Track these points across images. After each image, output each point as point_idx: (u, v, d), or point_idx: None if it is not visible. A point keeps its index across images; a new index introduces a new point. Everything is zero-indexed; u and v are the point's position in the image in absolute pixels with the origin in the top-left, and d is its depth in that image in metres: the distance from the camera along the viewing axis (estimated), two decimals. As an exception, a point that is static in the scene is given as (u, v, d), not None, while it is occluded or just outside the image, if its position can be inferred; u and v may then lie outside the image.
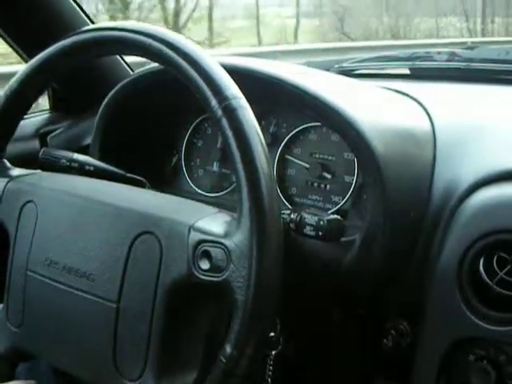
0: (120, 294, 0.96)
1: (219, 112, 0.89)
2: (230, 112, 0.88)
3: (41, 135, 1.66)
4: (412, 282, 1.11)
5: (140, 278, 0.95)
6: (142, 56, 1.02)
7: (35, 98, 1.17)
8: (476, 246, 1.02)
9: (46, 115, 1.76)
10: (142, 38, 0.97)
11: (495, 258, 1.01)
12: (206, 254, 0.89)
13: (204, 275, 0.89)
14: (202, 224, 0.92)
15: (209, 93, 0.90)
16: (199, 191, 1.43)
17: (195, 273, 0.90)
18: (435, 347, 1.05)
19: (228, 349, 0.87)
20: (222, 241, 0.88)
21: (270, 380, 1.20)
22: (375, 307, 1.17)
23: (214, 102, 0.89)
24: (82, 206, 1.03)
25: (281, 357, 1.19)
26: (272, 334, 1.15)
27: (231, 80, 0.92)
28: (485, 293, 1.01)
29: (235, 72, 1.00)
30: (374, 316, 1.18)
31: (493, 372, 0.99)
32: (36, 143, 1.65)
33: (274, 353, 1.18)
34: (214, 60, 0.93)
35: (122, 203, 1.01)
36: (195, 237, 0.91)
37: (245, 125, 0.88)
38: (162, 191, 1.12)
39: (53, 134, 1.68)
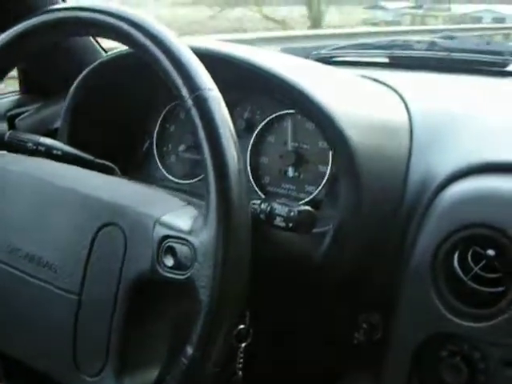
0: (82, 287, 0.93)
1: (189, 102, 0.85)
2: (201, 103, 0.85)
3: (9, 118, 1.62)
4: (385, 275, 1.08)
5: (103, 271, 0.92)
6: (111, 39, 0.98)
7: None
8: (450, 239, 0.99)
9: (14, 97, 1.71)
10: (110, 19, 0.93)
11: (470, 252, 0.99)
12: (171, 251, 0.86)
13: (168, 272, 0.86)
14: (169, 218, 0.88)
15: (179, 81, 0.86)
16: (171, 178, 1.38)
17: (159, 269, 0.87)
18: (407, 342, 1.03)
19: (189, 350, 0.83)
20: (188, 237, 0.85)
21: (240, 373, 1.16)
22: (347, 300, 1.14)
23: (184, 91, 0.86)
24: (47, 192, 1.00)
25: (251, 349, 1.16)
26: (242, 326, 1.12)
27: (203, 69, 0.88)
28: (460, 288, 0.99)
29: (208, 56, 0.97)
30: (345, 309, 1.15)
31: (465, 369, 0.97)
32: (4, 126, 1.60)
33: (243, 345, 1.15)
34: (185, 46, 0.90)
35: (87, 191, 0.97)
36: (160, 231, 0.87)
37: (215, 116, 0.84)
38: (133, 178, 1.09)
39: (21, 116, 1.63)
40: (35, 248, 0.98)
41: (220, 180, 0.83)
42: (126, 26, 0.91)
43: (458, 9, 15.97)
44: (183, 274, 0.84)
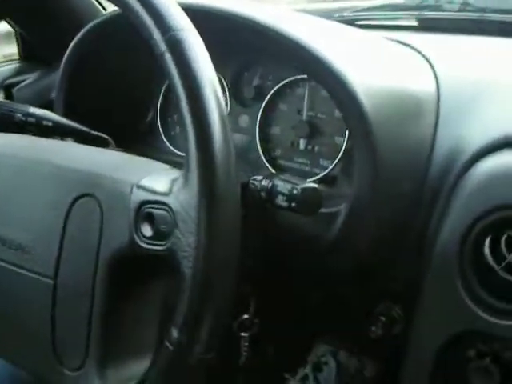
0: (57, 269, 0.83)
1: (162, 46, 0.73)
2: (175, 45, 0.73)
3: (6, 87, 1.53)
4: (406, 263, 0.98)
5: (79, 250, 0.82)
6: None
7: None
8: (481, 222, 0.87)
9: (13, 65, 1.62)
10: None
11: (504, 238, 0.87)
12: (149, 218, 0.75)
13: (147, 244, 0.76)
14: (147, 182, 0.78)
15: (152, 25, 0.74)
16: (175, 151, 1.28)
17: (138, 241, 0.76)
18: (430, 340, 0.92)
19: (174, 333, 0.72)
20: (165, 200, 0.74)
21: (245, 363, 1.10)
22: (362, 290, 1.03)
23: (156, 34, 0.74)
24: (19, 168, 0.91)
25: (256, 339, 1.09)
26: (245, 316, 1.04)
27: (180, 10, 0.76)
28: (490, 279, 0.87)
29: (210, 14, 0.90)
30: (361, 300, 1.04)
31: (496, 371, 0.86)
32: (0, 96, 1.52)
33: (247, 335, 1.08)
34: None
35: (60, 162, 0.88)
36: (138, 196, 0.77)
37: (192, 59, 0.73)
38: (136, 151, 0.99)
39: (20, 85, 1.54)
40: (7, 230, 0.89)
41: (201, 132, 0.71)
42: None
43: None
44: (163, 244, 0.74)
